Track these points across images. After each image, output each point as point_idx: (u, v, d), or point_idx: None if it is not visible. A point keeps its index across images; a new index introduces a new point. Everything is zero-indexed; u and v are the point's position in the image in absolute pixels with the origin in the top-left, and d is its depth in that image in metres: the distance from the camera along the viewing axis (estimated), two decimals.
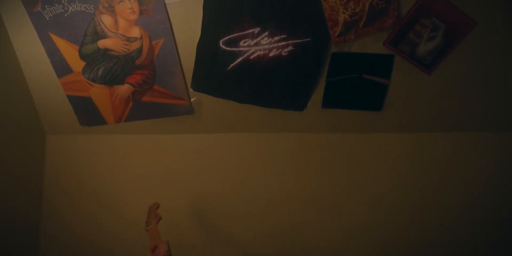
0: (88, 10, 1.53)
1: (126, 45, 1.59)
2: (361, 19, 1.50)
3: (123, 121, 1.81)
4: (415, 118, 1.69)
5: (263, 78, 1.64)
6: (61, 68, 1.68)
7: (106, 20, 1.55)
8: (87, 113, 1.80)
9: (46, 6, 1.52)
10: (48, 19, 1.56)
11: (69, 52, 1.63)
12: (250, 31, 1.54)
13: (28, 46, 1.69)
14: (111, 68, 1.65)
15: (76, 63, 1.66)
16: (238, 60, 1.60)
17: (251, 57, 1.59)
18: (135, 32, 1.57)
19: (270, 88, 1.66)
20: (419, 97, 1.65)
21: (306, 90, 1.67)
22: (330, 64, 1.60)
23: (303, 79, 1.64)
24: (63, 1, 1.51)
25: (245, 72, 1.63)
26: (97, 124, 1.84)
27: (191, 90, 1.70)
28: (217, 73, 1.64)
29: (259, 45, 1.57)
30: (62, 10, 1.53)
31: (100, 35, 1.58)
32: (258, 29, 1.54)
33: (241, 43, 1.57)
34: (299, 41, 1.55)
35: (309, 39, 1.55)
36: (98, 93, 1.73)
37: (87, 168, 1.99)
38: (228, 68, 1.62)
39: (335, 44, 1.55)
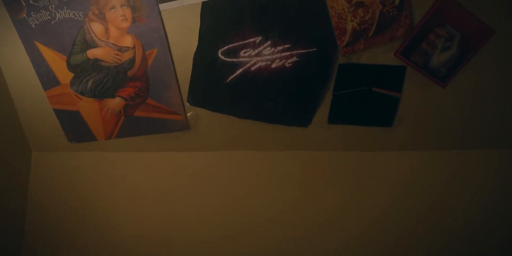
0: (77, 17, 1.42)
1: (117, 55, 1.49)
2: (371, 28, 1.40)
3: (114, 137, 1.69)
4: (429, 134, 1.59)
5: (265, 91, 1.53)
6: (48, 79, 1.56)
7: (96, 28, 1.44)
8: (75, 128, 1.68)
9: (32, 12, 1.42)
10: (34, 26, 1.45)
11: (56, 62, 1.52)
12: (251, 40, 1.44)
13: (13, 56, 1.58)
14: (101, 80, 1.54)
15: (64, 75, 1.55)
16: (238, 72, 1.49)
17: (252, 68, 1.48)
18: (127, 41, 1.46)
19: (272, 102, 1.55)
20: (433, 112, 1.54)
21: (311, 104, 1.56)
22: (337, 76, 1.49)
23: (307, 93, 1.53)
24: (50, 8, 1.40)
25: (245, 85, 1.52)
26: (86, 141, 1.72)
27: (187, 104, 1.59)
28: (215, 85, 1.53)
29: (260, 55, 1.46)
30: (49, 17, 1.43)
31: (90, 44, 1.47)
32: (260, 38, 1.43)
33: (241, 53, 1.46)
34: (304, 51, 1.45)
35: (315, 49, 1.44)
36: (87, 107, 1.61)
37: (75, 187, 1.86)
38: (227, 81, 1.51)
39: (342, 55, 1.45)
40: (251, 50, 1.45)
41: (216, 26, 1.43)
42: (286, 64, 1.47)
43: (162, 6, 1.40)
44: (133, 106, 1.60)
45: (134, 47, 1.47)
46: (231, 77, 1.51)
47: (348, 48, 1.43)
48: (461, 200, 1.62)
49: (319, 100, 1.55)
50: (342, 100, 1.54)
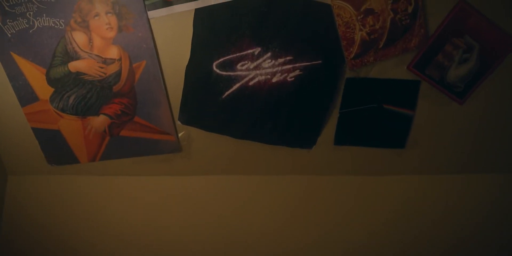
0: (57, 25, 1.29)
1: (102, 68, 1.35)
2: (382, 38, 1.27)
3: (98, 159, 1.53)
4: (445, 156, 1.48)
5: (265, 109, 1.40)
6: (26, 95, 1.42)
7: (78, 37, 1.31)
8: (56, 149, 1.53)
9: (8, 20, 1.29)
10: (10, 36, 1.31)
11: (35, 76, 1.38)
12: (250, 51, 1.31)
13: None
14: (84, 95, 1.40)
15: (43, 90, 1.40)
16: (234, 87, 1.36)
17: (251, 83, 1.35)
18: (113, 52, 1.33)
19: (272, 121, 1.42)
20: (449, 131, 1.44)
21: (315, 123, 1.43)
22: (344, 92, 1.36)
23: (312, 110, 1.40)
24: (28, 15, 1.27)
25: (243, 102, 1.38)
26: (67, 163, 1.57)
27: (178, 123, 1.45)
28: (209, 102, 1.39)
29: (260, 68, 1.33)
30: (27, 26, 1.29)
31: (72, 56, 1.34)
32: (259, 49, 1.30)
33: (239, 66, 1.33)
34: (308, 64, 1.32)
35: (320, 61, 1.31)
36: (69, 126, 1.47)
37: (55, 215, 1.69)
38: (223, 97, 1.38)
39: (350, 68, 1.31)
40: (250, 62, 1.32)
41: (210, 36, 1.30)
42: (288, 78, 1.34)
43: (151, 14, 1.27)
44: (119, 125, 1.45)
45: (120, 59, 1.34)
46: (227, 93, 1.37)
47: (356, 61, 1.30)
48: (483, 232, 1.48)
49: (324, 119, 1.42)
50: (350, 118, 1.41)
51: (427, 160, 1.48)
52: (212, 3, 1.25)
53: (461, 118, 1.40)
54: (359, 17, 1.25)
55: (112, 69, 1.35)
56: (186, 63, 1.34)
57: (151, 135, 1.47)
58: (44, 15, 1.28)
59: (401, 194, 1.53)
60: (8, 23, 1.29)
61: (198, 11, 1.27)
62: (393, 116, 1.39)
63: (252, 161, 1.54)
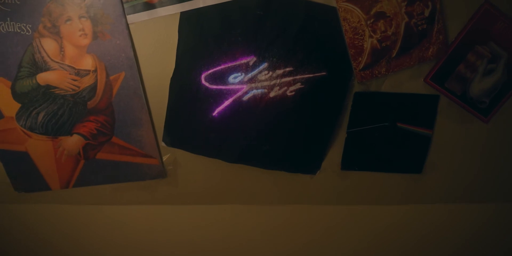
0: (24, 31, 1.13)
1: (75, 80, 1.18)
2: (395, 46, 1.11)
3: (72, 186, 1.35)
4: (469, 183, 1.30)
5: (262, 128, 1.22)
6: None
7: (48, 45, 1.15)
8: (23, 174, 1.35)
9: None
10: None
11: None
12: (243, 61, 1.14)
13: None
14: (55, 112, 1.23)
15: (8, 105, 1.23)
16: (226, 103, 1.19)
17: (245, 98, 1.18)
18: (87, 62, 1.16)
19: (270, 142, 1.24)
20: (473, 154, 1.26)
21: (319, 145, 1.25)
22: (352, 108, 1.19)
23: (315, 130, 1.22)
24: None
25: (236, 120, 1.21)
26: (37, 190, 1.38)
27: (163, 144, 1.27)
28: (198, 121, 1.22)
29: (255, 81, 1.16)
30: None
31: (40, 67, 1.17)
32: (254, 59, 1.14)
33: (231, 79, 1.16)
34: (311, 76, 1.15)
35: (324, 73, 1.15)
36: (38, 147, 1.29)
37: (27, 247, 1.51)
38: (213, 114, 1.20)
39: (359, 81, 1.15)
40: (243, 74, 1.16)
41: (198, 44, 1.13)
42: (288, 93, 1.17)
43: (130, 18, 1.12)
44: (95, 147, 1.27)
45: (95, 71, 1.17)
46: (217, 110, 1.20)
47: (366, 72, 1.14)
48: None
49: (329, 140, 1.24)
50: (359, 139, 1.23)
51: (448, 187, 1.30)
52: (201, 6, 1.10)
53: (486, 138, 1.23)
54: (368, 22, 1.09)
55: (86, 82, 1.19)
56: (171, 75, 1.18)
57: (132, 159, 1.29)
58: (8, 19, 1.13)
59: (418, 226, 1.35)
60: None
61: (184, 15, 1.11)
62: (408, 136, 1.21)
63: (247, 189, 1.35)
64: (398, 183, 1.29)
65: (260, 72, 1.15)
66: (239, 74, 1.16)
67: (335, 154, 1.26)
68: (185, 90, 1.19)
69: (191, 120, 1.22)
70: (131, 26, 1.13)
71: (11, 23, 1.13)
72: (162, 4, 1.10)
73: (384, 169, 1.27)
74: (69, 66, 1.17)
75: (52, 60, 1.17)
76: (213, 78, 1.17)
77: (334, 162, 1.27)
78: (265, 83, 1.16)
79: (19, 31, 1.14)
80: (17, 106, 1.23)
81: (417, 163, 1.26)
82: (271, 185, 1.33)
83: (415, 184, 1.29)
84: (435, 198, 1.31)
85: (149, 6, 1.11)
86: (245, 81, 1.16)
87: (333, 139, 1.24)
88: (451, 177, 1.28)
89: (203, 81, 1.17)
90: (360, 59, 1.13)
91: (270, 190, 1.34)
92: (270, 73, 1.15)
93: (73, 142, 1.27)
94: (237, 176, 1.32)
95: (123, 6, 1.10)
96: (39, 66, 1.18)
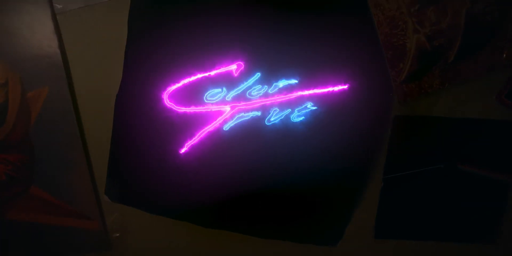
0: None
1: None
2: (453, 46, 0.74)
3: None
4: None
5: (253, 174, 0.83)
6: None
7: None
8: None
9: None
10: None
11: None
12: (224, 70, 0.77)
13: None
14: None
15: None
16: (200, 134, 0.79)
17: (227, 126, 0.79)
18: None
19: (267, 196, 0.85)
20: None
21: (341, 201, 0.86)
22: (391, 141, 0.81)
23: (334, 176, 0.83)
24: None
25: (215, 160, 0.82)
26: None
27: (106, 198, 0.87)
28: (158, 161, 0.83)
29: (242, 99, 0.78)
30: None
31: None
32: (241, 66, 0.77)
33: (208, 97, 0.79)
34: (325, 91, 0.77)
35: (346, 86, 0.77)
36: None
37: None
38: (182, 152, 0.81)
39: (400, 99, 0.77)
40: (226, 89, 0.78)
41: (158, 43, 0.77)
42: (293, 118, 0.78)
43: (58, 5, 0.76)
44: (5, 201, 0.87)
45: (6, 84, 0.80)
46: (187, 145, 0.80)
47: (410, 86, 0.76)
48: None
49: (356, 193, 0.85)
50: (401, 190, 0.83)
51: None
52: None
53: None
54: (412, 9, 0.73)
55: None
56: (117, 91, 0.79)
57: (59, 220, 0.88)
58: None
59: None
60: None
61: (137, 0, 0.76)
62: (475, 185, 0.82)
63: None
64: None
65: (251, 87, 0.77)
66: (220, 89, 0.78)
67: (365, 214, 0.85)
68: (137, 115, 0.80)
69: (148, 161, 0.83)
70: (59, 17, 0.77)
71: None
72: None
73: (438, 237, 0.86)
74: None
75: None
76: (180, 96, 0.79)
77: (365, 227, 0.87)
78: (258, 103, 0.78)
79: None
80: None
81: (489, 227, 0.86)
82: None
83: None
84: None
85: None
86: (229, 100, 0.78)
87: (360, 192, 0.85)
88: None
89: (166, 101, 0.78)
90: (401, 65, 0.75)
91: None
92: (265, 87, 0.77)
93: None
94: (217, 247, 0.92)
95: None
96: None
